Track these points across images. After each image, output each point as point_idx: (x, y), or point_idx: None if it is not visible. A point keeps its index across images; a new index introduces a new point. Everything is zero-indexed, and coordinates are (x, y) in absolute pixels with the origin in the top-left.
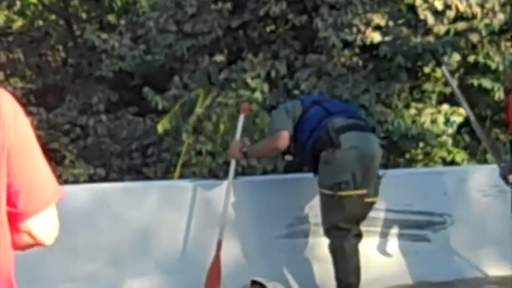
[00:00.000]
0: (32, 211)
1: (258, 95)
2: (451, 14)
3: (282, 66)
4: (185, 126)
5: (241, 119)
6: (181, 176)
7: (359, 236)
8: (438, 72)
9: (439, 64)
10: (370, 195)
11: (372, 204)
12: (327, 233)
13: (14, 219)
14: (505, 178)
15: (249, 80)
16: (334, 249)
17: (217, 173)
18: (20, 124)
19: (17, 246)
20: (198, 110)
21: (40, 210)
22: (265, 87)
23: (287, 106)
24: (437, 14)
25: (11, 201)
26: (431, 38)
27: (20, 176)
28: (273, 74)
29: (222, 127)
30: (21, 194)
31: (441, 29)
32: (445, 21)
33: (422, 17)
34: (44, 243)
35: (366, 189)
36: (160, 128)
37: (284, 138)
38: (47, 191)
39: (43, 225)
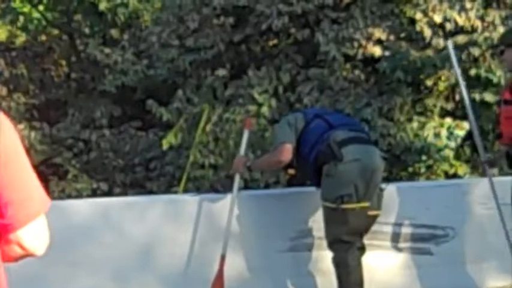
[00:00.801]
0: (21, 222)
1: (265, 109)
2: (450, 27)
3: (286, 77)
4: (191, 142)
5: (246, 134)
6: (185, 190)
7: (362, 249)
8: (441, 86)
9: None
10: (373, 208)
11: (375, 217)
12: (330, 246)
13: (4, 230)
14: (489, 164)
15: (256, 95)
16: (337, 262)
17: (220, 187)
18: (7, 138)
19: (8, 258)
20: (203, 124)
21: (29, 220)
22: (273, 102)
23: (289, 119)
24: (436, 28)
25: (0, 213)
26: (430, 52)
27: (9, 187)
28: (280, 89)
29: (231, 143)
30: (11, 205)
31: (440, 42)
32: (443, 34)
33: (420, 30)
34: (35, 253)
35: (369, 202)
36: (165, 145)
37: (287, 152)
38: (36, 202)
39: (33, 236)
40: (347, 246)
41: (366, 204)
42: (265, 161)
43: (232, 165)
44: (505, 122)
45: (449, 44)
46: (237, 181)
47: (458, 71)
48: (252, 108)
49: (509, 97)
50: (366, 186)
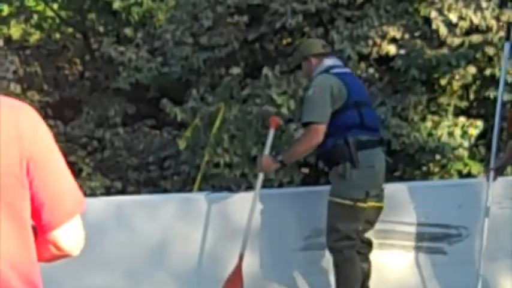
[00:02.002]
0: (56, 222)
1: (284, 110)
2: (465, 25)
3: (305, 80)
4: (207, 141)
5: (272, 133)
6: (200, 189)
7: (369, 244)
8: (455, 85)
9: (507, 38)
10: (378, 201)
11: (380, 209)
12: (336, 243)
13: (40, 231)
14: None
15: (275, 96)
16: (343, 260)
17: (233, 186)
18: (40, 138)
19: (44, 258)
20: (218, 123)
21: (64, 221)
22: (292, 103)
23: (333, 88)
24: (452, 26)
25: (35, 214)
26: (445, 51)
27: (43, 188)
28: (300, 92)
29: (248, 143)
30: (45, 206)
31: (455, 41)
32: (459, 33)
33: (436, 28)
34: (71, 253)
35: (376, 199)
36: (181, 145)
37: (320, 135)
38: (70, 202)
39: (68, 236)
40: (353, 243)
41: (375, 204)
42: (298, 150)
43: (259, 165)
44: None
45: (507, 45)
46: (261, 180)
47: (503, 74)
48: (271, 109)
49: None
50: (376, 189)
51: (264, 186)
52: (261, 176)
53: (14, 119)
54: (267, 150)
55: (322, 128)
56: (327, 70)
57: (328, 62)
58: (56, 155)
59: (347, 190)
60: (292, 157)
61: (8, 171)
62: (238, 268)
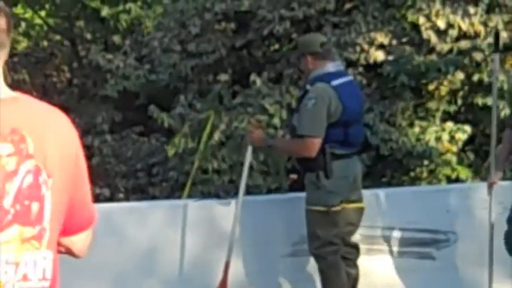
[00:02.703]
0: (77, 228)
1: (276, 121)
2: (453, 32)
3: (297, 92)
4: (196, 148)
5: (249, 150)
6: (189, 196)
7: (356, 248)
8: (443, 91)
9: (497, 49)
10: (357, 202)
11: (361, 210)
12: (319, 250)
13: (60, 233)
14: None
15: (267, 106)
16: (328, 266)
17: (222, 192)
18: (79, 144)
19: None
20: (208, 131)
21: (84, 229)
22: (284, 113)
23: (331, 104)
24: (440, 33)
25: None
26: (434, 57)
27: (75, 194)
28: (294, 104)
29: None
30: (72, 212)
31: (444, 47)
32: (448, 39)
33: (425, 35)
34: (79, 256)
35: (354, 199)
36: (170, 152)
37: (315, 149)
38: (91, 211)
39: (82, 242)
40: (336, 248)
41: (356, 205)
42: (288, 149)
43: (250, 138)
44: None
45: (496, 57)
46: (243, 186)
47: (495, 87)
48: (263, 118)
49: None
50: (355, 192)
51: (252, 192)
52: (243, 182)
53: (68, 123)
54: (245, 169)
55: (318, 142)
56: (327, 79)
57: (330, 67)
58: (84, 165)
59: (321, 197)
60: (280, 150)
61: (68, 166)
62: (225, 276)
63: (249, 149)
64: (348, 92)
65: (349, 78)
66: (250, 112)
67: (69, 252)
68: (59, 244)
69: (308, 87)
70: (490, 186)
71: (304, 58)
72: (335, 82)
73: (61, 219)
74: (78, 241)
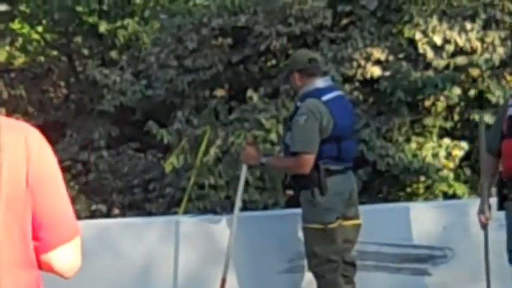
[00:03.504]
0: (53, 244)
1: (273, 136)
2: (450, 48)
3: (292, 105)
4: (193, 164)
5: (244, 168)
6: (186, 212)
7: (353, 265)
8: (439, 106)
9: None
10: (353, 218)
11: (358, 227)
12: (318, 267)
13: (36, 251)
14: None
15: (263, 121)
16: (326, 284)
17: (219, 208)
18: (45, 160)
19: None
20: (204, 147)
21: (61, 244)
22: (280, 128)
23: (323, 119)
24: (437, 49)
25: (33, 233)
26: (431, 73)
27: (43, 209)
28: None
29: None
30: (44, 227)
31: (441, 63)
32: (445, 55)
33: (421, 51)
34: (63, 276)
35: (351, 216)
36: (168, 167)
37: (309, 166)
38: (68, 226)
39: (63, 259)
40: (335, 265)
41: (353, 222)
42: (282, 167)
43: (243, 155)
44: None
45: (481, 118)
46: (239, 202)
47: (483, 145)
48: (259, 133)
49: None
50: (351, 208)
51: (248, 208)
52: (238, 198)
53: (23, 139)
54: (240, 186)
55: (311, 158)
56: (317, 95)
57: (319, 83)
58: (58, 178)
59: (317, 215)
60: (274, 169)
61: (17, 189)
62: None
63: (244, 166)
64: (338, 106)
65: (339, 93)
66: (246, 127)
67: (51, 270)
68: (39, 263)
69: (298, 103)
70: (485, 226)
71: (292, 75)
72: (325, 97)
73: (20, 236)
74: (59, 258)
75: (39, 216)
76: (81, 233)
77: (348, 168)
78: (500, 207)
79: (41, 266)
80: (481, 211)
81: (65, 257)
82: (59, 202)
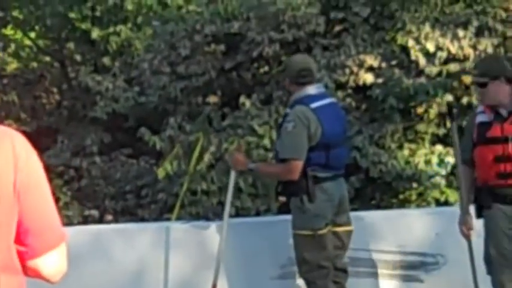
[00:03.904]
0: (40, 251)
1: (266, 142)
2: (442, 55)
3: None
4: (185, 170)
5: (233, 175)
6: (178, 218)
7: (344, 271)
8: (432, 113)
9: (452, 119)
10: (345, 225)
11: (349, 233)
12: (308, 274)
13: (22, 257)
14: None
15: (256, 127)
16: None
17: (211, 214)
18: (31, 166)
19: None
20: (197, 154)
21: (48, 250)
22: (273, 133)
23: (311, 126)
24: (429, 56)
25: (20, 240)
26: (423, 80)
27: (30, 215)
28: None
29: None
30: (30, 233)
31: (433, 70)
32: (437, 62)
33: (414, 58)
34: (50, 281)
35: (342, 223)
36: (161, 173)
37: (297, 172)
38: (55, 232)
39: (50, 265)
40: (326, 272)
41: (345, 228)
42: (270, 173)
43: (232, 161)
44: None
45: (454, 125)
46: (228, 209)
47: (458, 151)
48: (252, 139)
49: None
50: (336, 214)
51: (240, 214)
52: (227, 205)
53: (10, 145)
54: (229, 192)
55: (299, 164)
56: (307, 102)
57: (311, 90)
58: (45, 185)
59: (306, 221)
60: (262, 174)
61: (4, 195)
62: None
63: (232, 172)
64: (328, 114)
65: (331, 100)
66: (239, 134)
67: (38, 276)
68: (25, 268)
69: (288, 110)
70: (468, 236)
71: (284, 81)
72: (314, 104)
73: (4, 240)
74: (46, 264)
75: (26, 222)
76: (74, 238)
77: (338, 176)
78: (479, 215)
79: (27, 271)
80: (462, 222)
81: (52, 263)
82: (46, 208)
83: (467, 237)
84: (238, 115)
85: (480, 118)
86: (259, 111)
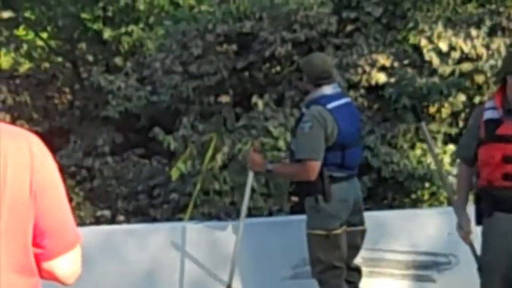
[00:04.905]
0: (56, 252)
1: (281, 143)
2: (455, 55)
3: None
4: (199, 170)
5: (251, 175)
6: (191, 218)
7: (358, 271)
8: (444, 113)
9: (418, 119)
10: (358, 225)
11: (363, 233)
12: (321, 274)
13: (37, 258)
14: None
15: (271, 128)
16: None
17: (223, 214)
18: (47, 168)
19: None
20: (211, 153)
21: (64, 252)
22: (289, 136)
23: (328, 127)
24: (442, 55)
25: (35, 242)
26: (436, 79)
27: (46, 217)
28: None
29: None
30: (46, 235)
31: (446, 69)
32: (450, 62)
33: (427, 58)
34: (65, 283)
35: (355, 223)
36: (174, 175)
37: (314, 173)
38: (70, 234)
39: (65, 267)
40: (339, 272)
41: (359, 228)
42: (288, 174)
43: (249, 162)
44: None
45: (423, 124)
46: (245, 208)
47: (433, 152)
48: (267, 140)
49: None
50: (356, 215)
51: (253, 214)
52: (245, 205)
53: (27, 147)
54: (247, 193)
55: (317, 165)
56: (323, 102)
57: (327, 90)
58: (60, 187)
59: (321, 221)
60: (279, 175)
61: (21, 196)
62: None
63: (250, 173)
64: (344, 114)
65: (347, 100)
66: (253, 134)
67: (52, 278)
68: (40, 270)
69: (304, 110)
70: (467, 239)
71: (302, 80)
72: (331, 105)
73: (21, 242)
74: (62, 266)
75: (42, 223)
76: (86, 239)
77: (352, 176)
78: (479, 222)
79: (42, 273)
80: (459, 227)
81: (68, 264)
82: (61, 210)
83: (467, 242)
84: (252, 116)
85: (489, 115)
86: (274, 112)
